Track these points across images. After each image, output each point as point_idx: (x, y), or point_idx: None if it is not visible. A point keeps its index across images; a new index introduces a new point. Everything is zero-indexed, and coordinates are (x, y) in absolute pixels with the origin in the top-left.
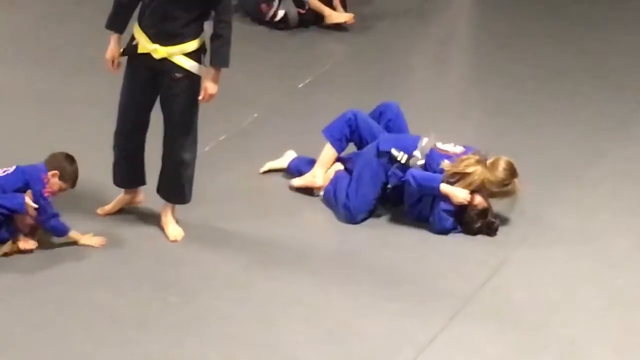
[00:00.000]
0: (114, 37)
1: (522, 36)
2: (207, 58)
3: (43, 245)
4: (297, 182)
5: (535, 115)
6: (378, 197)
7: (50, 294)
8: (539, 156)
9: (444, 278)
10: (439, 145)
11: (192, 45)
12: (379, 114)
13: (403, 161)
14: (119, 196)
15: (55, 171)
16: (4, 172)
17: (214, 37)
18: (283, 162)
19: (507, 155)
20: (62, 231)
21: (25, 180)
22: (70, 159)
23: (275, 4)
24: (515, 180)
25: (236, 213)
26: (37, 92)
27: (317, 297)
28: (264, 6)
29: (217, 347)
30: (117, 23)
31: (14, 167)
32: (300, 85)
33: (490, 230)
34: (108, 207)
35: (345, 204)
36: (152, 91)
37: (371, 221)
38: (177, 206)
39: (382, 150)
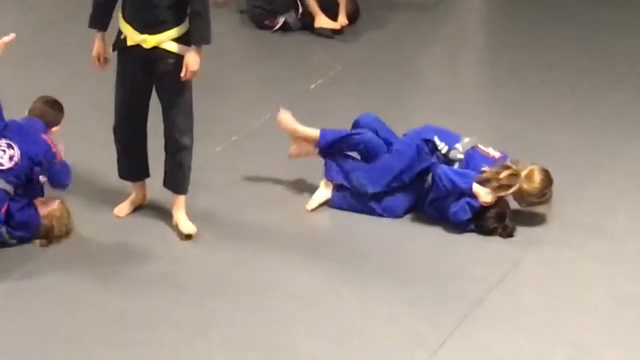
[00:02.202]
0: (98, 35)
1: (534, 38)
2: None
3: (53, 245)
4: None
5: (548, 116)
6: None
7: (58, 295)
8: (553, 157)
9: (456, 280)
10: (481, 146)
11: (179, 30)
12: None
13: (444, 151)
14: (131, 197)
15: (57, 127)
16: (10, 159)
17: (191, 15)
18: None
19: (522, 156)
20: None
21: (36, 161)
22: (59, 105)
23: (279, 17)
24: (550, 189)
25: (248, 215)
26: (44, 92)
27: (327, 299)
28: (267, 22)
29: (226, 349)
30: (98, 21)
31: (17, 152)
32: (312, 87)
33: (504, 232)
34: (125, 209)
35: (362, 176)
36: (146, 81)
37: (382, 223)
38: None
39: (425, 138)
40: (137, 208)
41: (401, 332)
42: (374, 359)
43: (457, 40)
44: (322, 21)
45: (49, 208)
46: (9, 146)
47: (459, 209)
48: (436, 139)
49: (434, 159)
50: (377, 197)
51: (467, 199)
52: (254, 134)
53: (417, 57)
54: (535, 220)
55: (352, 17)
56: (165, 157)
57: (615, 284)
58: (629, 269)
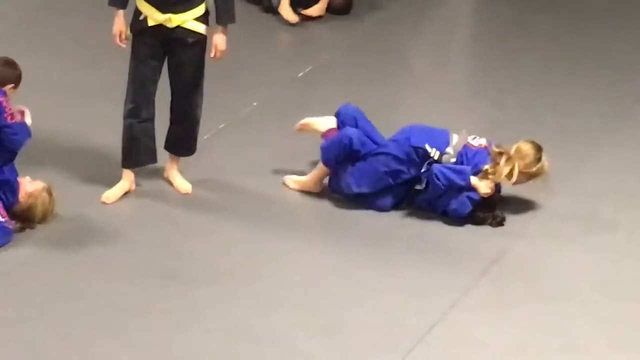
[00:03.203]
0: (118, 13)
1: (525, 26)
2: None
3: (43, 232)
4: (294, 185)
5: (537, 106)
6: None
7: (51, 281)
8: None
9: (444, 269)
10: (470, 140)
11: (202, 9)
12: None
13: (435, 158)
14: (120, 184)
15: (10, 85)
16: None
17: None
18: (323, 124)
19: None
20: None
21: None
22: (12, 64)
23: None
24: (543, 153)
25: (236, 203)
26: (38, 79)
27: (316, 288)
28: None
29: (217, 336)
30: None
31: None
32: (299, 75)
33: (494, 221)
34: (113, 196)
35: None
36: (162, 62)
37: (371, 212)
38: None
39: (415, 145)
40: (125, 194)
41: (387, 321)
42: (362, 346)
43: (447, 28)
44: (282, 10)
45: (32, 189)
46: None
47: (459, 205)
48: (427, 147)
49: (424, 168)
50: (365, 195)
51: (467, 193)
52: (242, 122)
53: (408, 46)
54: (524, 210)
55: (345, 8)
56: (178, 128)
57: (604, 274)
58: (618, 258)
